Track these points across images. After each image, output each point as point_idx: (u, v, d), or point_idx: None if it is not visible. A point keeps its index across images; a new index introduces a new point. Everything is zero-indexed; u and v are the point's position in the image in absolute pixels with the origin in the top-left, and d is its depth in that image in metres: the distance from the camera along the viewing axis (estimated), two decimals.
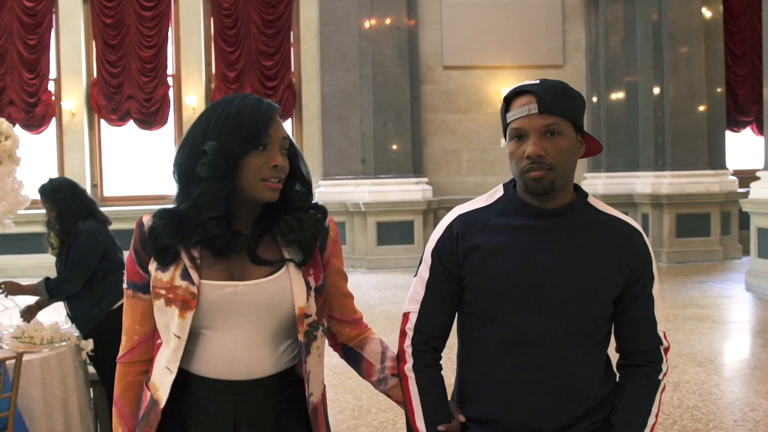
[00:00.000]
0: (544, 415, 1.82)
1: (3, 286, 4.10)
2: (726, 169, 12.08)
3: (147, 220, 1.84)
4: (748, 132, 13.29)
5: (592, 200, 1.92)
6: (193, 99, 12.07)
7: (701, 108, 11.77)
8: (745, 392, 5.31)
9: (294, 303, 1.80)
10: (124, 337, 1.89)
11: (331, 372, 5.26)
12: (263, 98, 1.83)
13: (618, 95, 12.43)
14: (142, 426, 1.82)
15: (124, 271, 1.91)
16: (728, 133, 12.56)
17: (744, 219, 10.15)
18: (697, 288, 9.42)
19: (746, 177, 10.47)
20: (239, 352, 1.79)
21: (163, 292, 1.79)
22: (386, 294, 9.31)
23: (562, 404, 1.82)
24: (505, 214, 1.88)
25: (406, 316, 1.94)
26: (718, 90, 12.14)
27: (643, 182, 12.02)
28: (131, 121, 11.98)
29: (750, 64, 12.87)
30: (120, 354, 1.90)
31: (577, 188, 1.92)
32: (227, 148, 1.74)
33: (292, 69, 12.34)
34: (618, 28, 12.38)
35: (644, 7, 11.99)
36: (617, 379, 1.94)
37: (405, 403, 1.91)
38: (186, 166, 1.80)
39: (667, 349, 1.91)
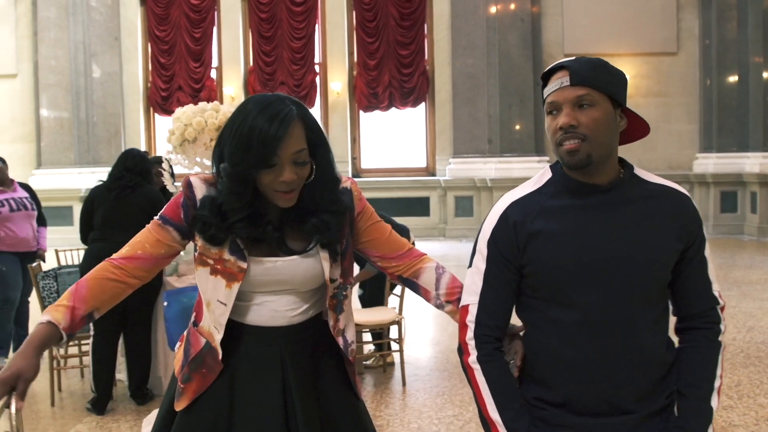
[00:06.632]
0: (623, 390, 1.78)
1: None
2: None
3: (198, 185, 1.93)
4: None
5: (639, 171, 1.87)
6: (337, 85, 13.49)
7: None
8: None
9: (324, 275, 1.96)
10: (127, 247, 1.93)
11: None
12: (279, 113, 1.81)
13: (729, 80, 13.12)
14: (195, 367, 1.96)
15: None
16: None
17: None
18: None
19: None
20: (280, 308, 1.97)
21: (210, 261, 1.91)
22: None
23: (638, 376, 1.79)
24: (557, 196, 1.83)
25: (465, 308, 1.88)
26: None
27: (752, 162, 12.68)
28: None
29: None
30: (114, 255, 1.92)
31: (622, 162, 1.87)
32: (238, 169, 1.82)
33: (426, 57, 13.58)
34: (731, 16, 13.04)
35: None
36: (677, 344, 1.91)
37: (474, 394, 1.85)
38: (216, 165, 1.91)
39: (723, 308, 1.88)
